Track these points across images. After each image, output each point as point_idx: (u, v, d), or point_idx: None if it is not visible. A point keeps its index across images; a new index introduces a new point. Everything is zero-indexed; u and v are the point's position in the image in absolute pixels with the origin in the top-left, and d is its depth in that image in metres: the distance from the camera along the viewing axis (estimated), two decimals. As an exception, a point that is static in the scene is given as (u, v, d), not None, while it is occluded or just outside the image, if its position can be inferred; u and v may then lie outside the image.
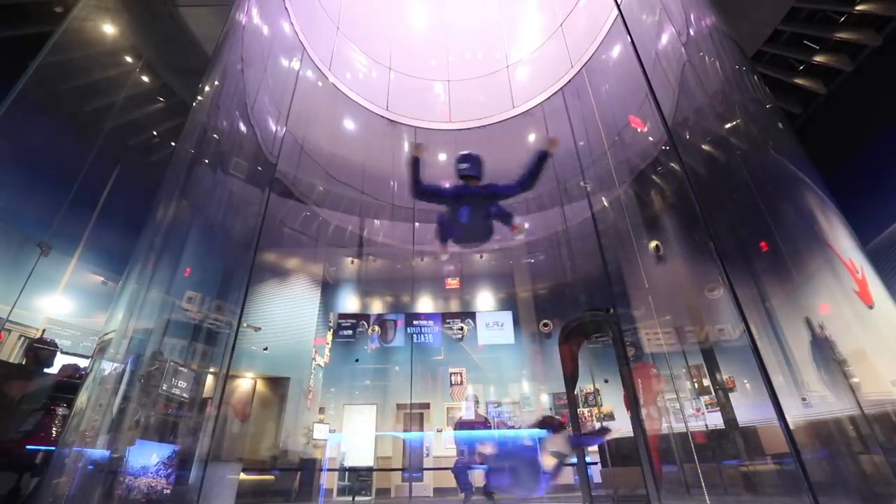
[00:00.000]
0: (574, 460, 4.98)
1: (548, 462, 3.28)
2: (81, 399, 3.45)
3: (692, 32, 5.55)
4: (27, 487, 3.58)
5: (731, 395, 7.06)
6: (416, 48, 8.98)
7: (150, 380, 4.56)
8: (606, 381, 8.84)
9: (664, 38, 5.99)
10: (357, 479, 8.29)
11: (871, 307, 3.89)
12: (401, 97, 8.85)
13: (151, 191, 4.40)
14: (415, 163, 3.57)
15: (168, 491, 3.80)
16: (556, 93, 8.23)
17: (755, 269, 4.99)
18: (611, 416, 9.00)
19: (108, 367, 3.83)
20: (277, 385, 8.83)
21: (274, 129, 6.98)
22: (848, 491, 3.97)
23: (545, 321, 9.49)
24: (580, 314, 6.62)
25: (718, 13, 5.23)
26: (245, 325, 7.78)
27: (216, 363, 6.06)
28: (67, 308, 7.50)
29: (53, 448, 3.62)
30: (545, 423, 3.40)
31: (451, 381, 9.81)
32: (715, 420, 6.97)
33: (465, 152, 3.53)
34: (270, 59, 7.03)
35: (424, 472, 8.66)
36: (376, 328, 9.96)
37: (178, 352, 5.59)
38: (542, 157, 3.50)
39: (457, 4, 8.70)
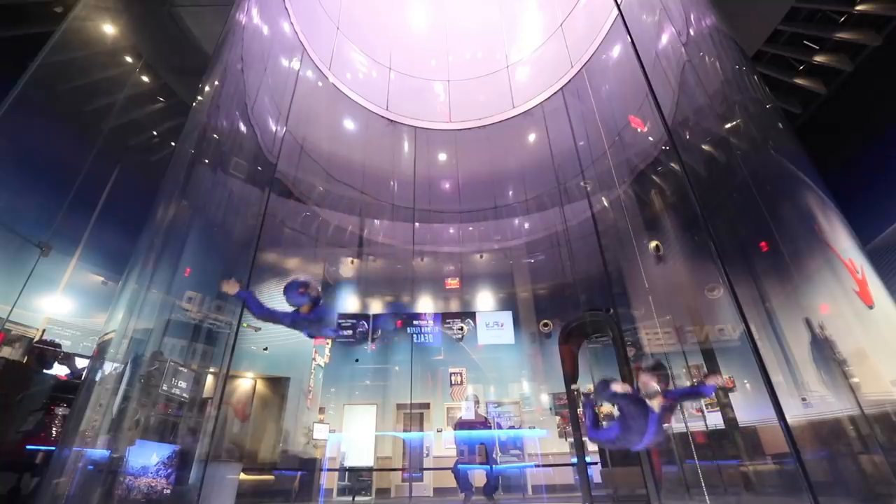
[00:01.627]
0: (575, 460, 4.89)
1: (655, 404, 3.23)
2: (81, 399, 3.45)
3: (692, 32, 5.56)
4: (27, 487, 3.58)
5: (731, 395, 7.06)
6: (416, 48, 8.98)
7: (150, 380, 4.56)
8: (606, 381, 8.82)
9: (664, 38, 5.99)
10: (357, 479, 8.29)
11: (871, 307, 3.89)
12: (401, 97, 8.86)
13: (151, 191, 4.41)
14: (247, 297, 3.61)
15: (168, 491, 3.80)
16: (556, 93, 8.23)
17: (755, 269, 4.99)
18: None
19: (108, 367, 3.83)
20: (277, 385, 8.83)
21: (274, 129, 6.99)
22: (848, 491, 3.97)
23: (545, 321, 9.49)
24: (580, 314, 6.62)
25: (718, 13, 5.23)
26: (245, 325, 7.77)
27: (216, 363, 6.06)
28: (67, 308, 7.50)
29: (53, 448, 3.62)
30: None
31: (451, 381, 9.81)
32: (715, 420, 6.97)
33: (289, 281, 3.56)
34: (270, 59, 7.03)
35: (424, 472, 8.66)
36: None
37: (178, 352, 5.59)
38: (314, 301, 3.53)
39: (457, 4, 8.70)
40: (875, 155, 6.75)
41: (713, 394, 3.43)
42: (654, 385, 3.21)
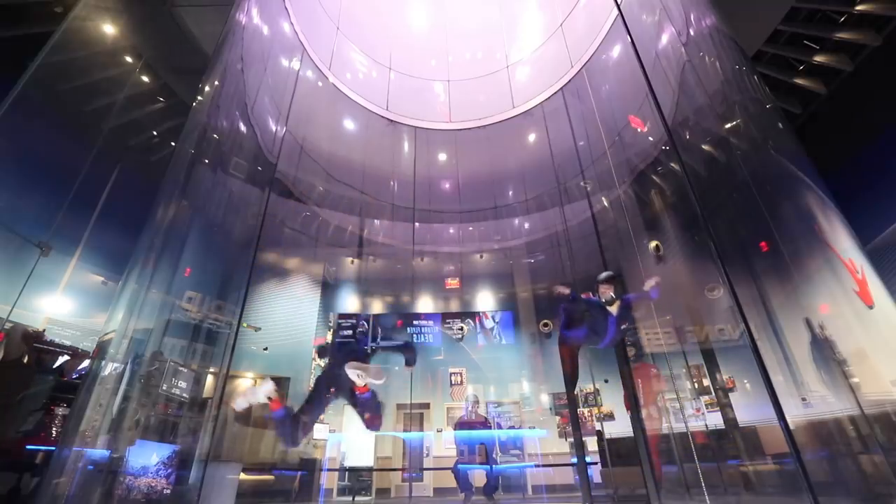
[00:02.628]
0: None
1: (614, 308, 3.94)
2: (81, 399, 3.45)
3: (692, 32, 5.55)
4: (27, 487, 3.58)
5: (731, 395, 7.06)
6: (416, 48, 8.98)
7: (150, 380, 4.56)
8: (606, 381, 8.84)
9: (664, 38, 5.99)
10: (357, 479, 8.29)
11: (871, 307, 3.89)
12: (401, 97, 8.86)
13: (151, 191, 4.41)
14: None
15: (168, 491, 3.80)
16: (556, 93, 8.23)
17: (755, 269, 4.99)
18: (611, 416, 9.00)
19: (108, 367, 3.83)
20: (277, 385, 8.79)
21: (274, 129, 6.98)
22: (848, 491, 3.97)
23: (545, 321, 9.48)
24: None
25: (718, 13, 5.23)
26: (245, 325, 7.78)
27: (216, 363, 6.06)
28: (67, 308, 7.50)
29: (53, 448, 3.62)
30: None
31: (451, 381, 9.81)
32: (715, 420, 6.97)
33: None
34: (270, 59, 7.03)
35: (424, 472, 8.65)
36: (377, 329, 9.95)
37: (178, 352, 5.59)
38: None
39: (457, 4, 8.69)
40: (875, 155, 6.75)
41: (657, 295, 4.03)
42: (611, 293, 3.96)
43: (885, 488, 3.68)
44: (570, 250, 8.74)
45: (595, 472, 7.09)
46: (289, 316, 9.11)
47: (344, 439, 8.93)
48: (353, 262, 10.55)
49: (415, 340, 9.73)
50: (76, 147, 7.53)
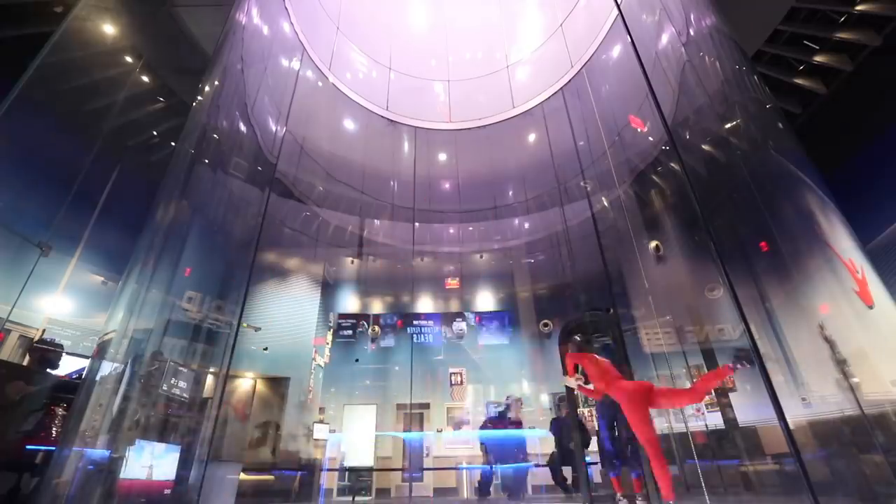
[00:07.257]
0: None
1: None
2: (81, 399, 3.45)
3: (692, 32, 5.55)
4: (27, 487, 3.58)
5: (731, 395, 7.05)
6: (416, 48, 8.98)
7: (150, 380, 4.56)
8: (606, 381, 8.81)
9: (664, 38, 5.99)
10: (357, 479, 8.29)
11: (871, 307, 3.88)
12: (401, 97, 8.86)
13: (151, 191, 4.41)
14: None
15: (168, 491, 3.80)
16: (556, 93, 8.23)
17: (755, 269, 4.99)
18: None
19: (108, 367, 3.83)
20: (277, 385, 8.83)
21: (274, 129, 6.98)
22: (848, 491, 3.97)
23: (545, 321, 9.48)
24: (580, 314, 6.61)
25: (718, 13, 5.23)
26: (245, 325, 7.77)
27: (216, 363, 6.06)
28: (67, 308, 7.50)
29: (53, 448, 3.62)
30: None
31: (451, 381, 9.81)
32: (715, 420, 6.96)
33: None
34: (270, 59, 7.03)
35: (424, 472, 8.65)
36: (377, 328, 9.96)
37: (178, 352, 5.58)
38: None
39: (457, 4, 8.70)
40: (875, 155, 6.75)
41: None
42: None
43: (885, 488, 3.68)
44: (570, 250, 8.74)
45: (595, 472, 7.08)
46: (289, 316, 9.11)
47: (344, 439, 8.93)
48: (353, 262, 10.55)
49: (415, 340, 9.75)
50: (76, 147, 7.52)
